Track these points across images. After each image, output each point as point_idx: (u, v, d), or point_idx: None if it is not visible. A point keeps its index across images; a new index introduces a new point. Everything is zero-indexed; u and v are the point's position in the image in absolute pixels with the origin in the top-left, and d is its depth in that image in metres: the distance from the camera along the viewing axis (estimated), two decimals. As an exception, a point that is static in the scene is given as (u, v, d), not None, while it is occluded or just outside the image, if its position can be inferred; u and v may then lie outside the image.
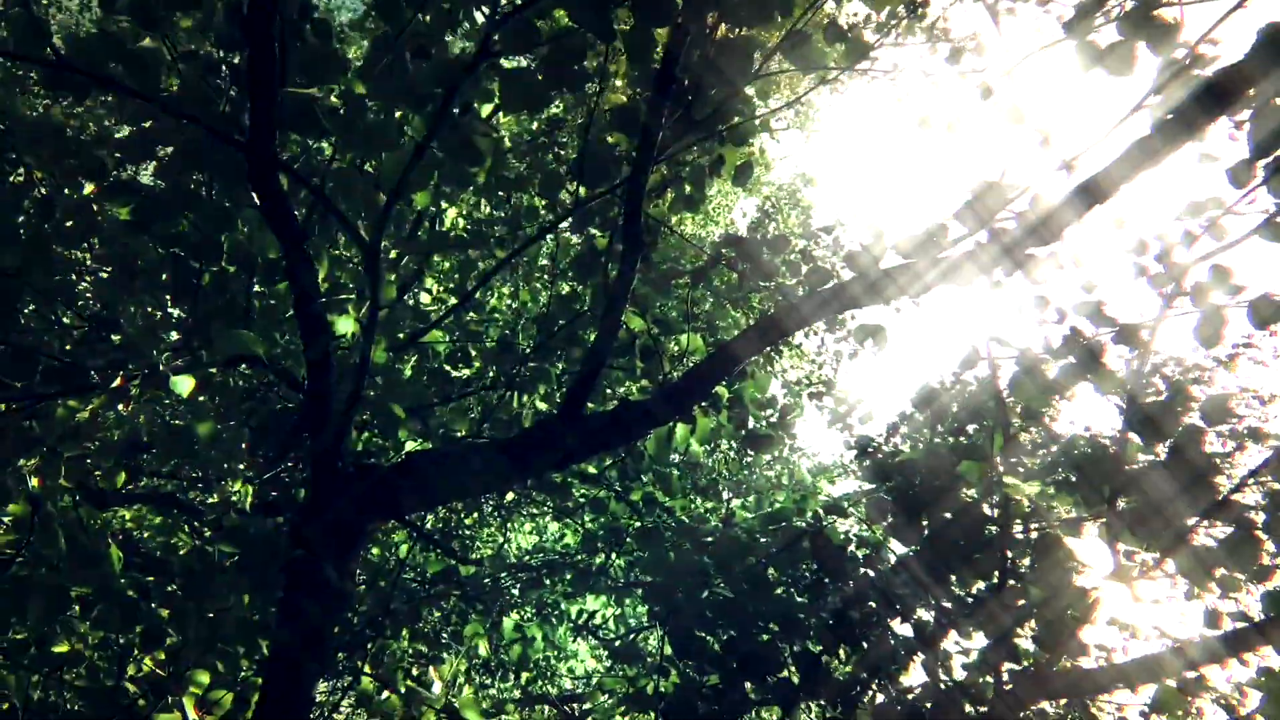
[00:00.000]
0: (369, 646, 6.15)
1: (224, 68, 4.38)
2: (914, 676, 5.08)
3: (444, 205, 6.78)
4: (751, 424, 5.63)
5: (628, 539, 6.49)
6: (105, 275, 5.47)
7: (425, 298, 7.34)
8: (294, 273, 4.47)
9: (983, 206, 4.84)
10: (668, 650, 5.04)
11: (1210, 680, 4.62)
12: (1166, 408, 4.47)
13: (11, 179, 5.19)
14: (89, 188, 4.80)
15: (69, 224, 5.13)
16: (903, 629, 4.89)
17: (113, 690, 5.53)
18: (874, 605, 4.77)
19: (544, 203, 5.87)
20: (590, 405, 5.19)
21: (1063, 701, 5.17)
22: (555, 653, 8.92)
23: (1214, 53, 4.49)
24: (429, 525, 7.88)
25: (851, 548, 5.08)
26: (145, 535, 8.05)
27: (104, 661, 5.79)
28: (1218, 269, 4.68)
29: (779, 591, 4.91)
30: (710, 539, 5.77)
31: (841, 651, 4.79)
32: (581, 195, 4.91)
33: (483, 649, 7.35)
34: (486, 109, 5.70)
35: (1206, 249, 4.84)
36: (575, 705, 7.15)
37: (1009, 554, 4.50)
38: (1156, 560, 4.29)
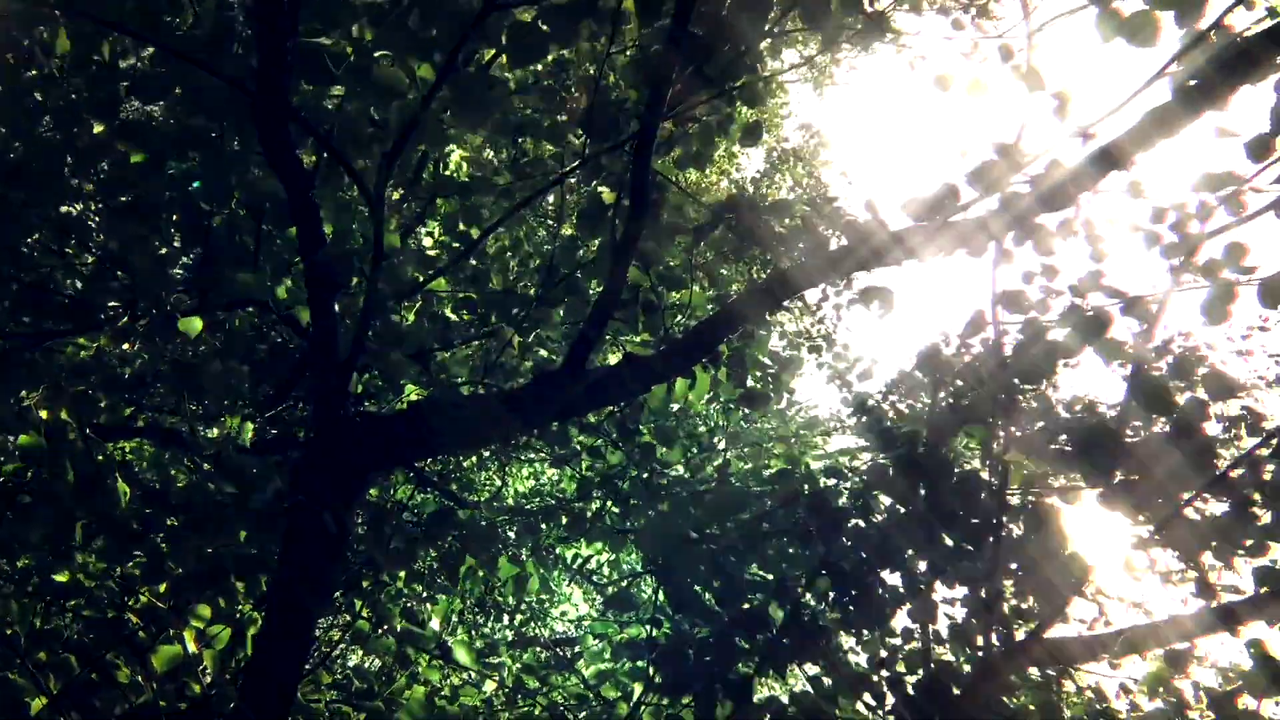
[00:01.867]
0: (365, 585, 6.23)
1: (238, 5, 4.29)
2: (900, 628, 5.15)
3: (448, 148, 6.71)
4: (750, 382, 5.64)
5: (623, 485, 6.54)
6: (112, 207, 5.43)
7: (428, 241, 7.30)
8: (299, 219, 4.44)
9: (995, 171, 4.78)
10: (660, 599, 5.11)
11: (1198, 652, 4.68)
12: (1170, 380, 4.47)
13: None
14: (98, 127, 4.74)
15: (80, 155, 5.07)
16: (892, 579, 4.94)
17: (114, 621, 5.59)
18: (864, 556, 4.80)
19: (550, 151, 5.82)
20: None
21: (1041, 671, 5.23)
22: (549, 596, 9.04)
23: (1241, 23, 4.39)
24: (427, 467, 7.93)
25: (844, 500, 5.12)
26: (144, 467, 8.09)
27: (105, 593, 5.85)
28: (1232, 246, 4.60)
29: (771, 552, 4.96)
30: (705, 488, 5.81)
31: (828, 607, 4.84)
32: (589, 147, 4.86)
33: (477, 590, 7.45)
34: (490, 52, 5.61)
35: (1222, 223, 4.78)
36: (567, 648, 7.26)
37: (1004, 519, 4.54)
38: (1150, 533, 4.32)
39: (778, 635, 4.58)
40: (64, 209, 5.31)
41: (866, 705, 4.49)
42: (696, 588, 4.82)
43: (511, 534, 7.44)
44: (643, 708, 5.40)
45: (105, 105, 4.50)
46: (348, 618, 6.54)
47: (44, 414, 5.07)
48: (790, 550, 5.15)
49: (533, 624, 8.71)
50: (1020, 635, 4.72)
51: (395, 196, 6.92)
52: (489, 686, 6.59)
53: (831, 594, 4.80)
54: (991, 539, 4.55)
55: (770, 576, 4.97)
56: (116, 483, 5.38)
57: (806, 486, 4.98)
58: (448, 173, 6.75)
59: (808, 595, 4.87)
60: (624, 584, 7.67)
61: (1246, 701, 4.44)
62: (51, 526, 5.17)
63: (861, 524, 4.86)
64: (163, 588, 5.66)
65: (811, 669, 5.02)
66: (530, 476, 9.50)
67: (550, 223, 8.97)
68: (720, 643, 4.66)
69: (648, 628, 5.13)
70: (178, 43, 4.16)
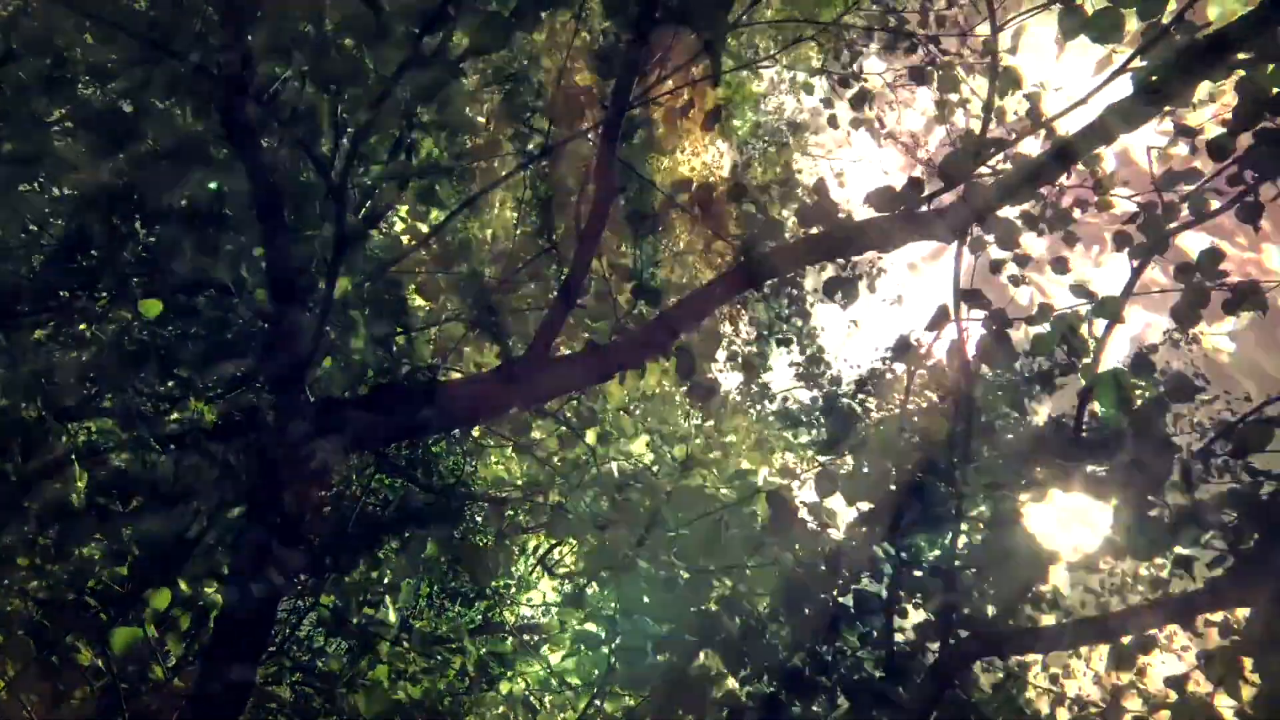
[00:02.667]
0: (327, 576, 6.19)
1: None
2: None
3: (418, 135, 6.65)
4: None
5: (588, 475, 6.53)
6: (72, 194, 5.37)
7: (399, 225, 7.25)
8: (261, 204, 4.39)
9: (961, 162, 4.76)
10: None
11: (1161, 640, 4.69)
12: (1131, 379, 4.47)
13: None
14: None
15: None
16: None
17: (73, 604, 5.54)
18: (821, 568, 4.78)
19: (513, 134, 5.79)
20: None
21: (1012, 660, 5.25)
22: (514, 582, 9.04)
23: (1204, 19, 4.37)
24: (392, 452, 7.90)
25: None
26: (110, 447, 8.00)
27: (66, 575, 5.79)
28: (1208, 251, 4.57)
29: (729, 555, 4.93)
30: (666, 481, 5.80)
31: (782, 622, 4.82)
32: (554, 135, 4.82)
33: (440, 575, 7.44)
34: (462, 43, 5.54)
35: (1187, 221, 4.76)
36: (532, 634, 7.27)
37: (963, 522, 4.54)
38: (1111, 530, 4.32)
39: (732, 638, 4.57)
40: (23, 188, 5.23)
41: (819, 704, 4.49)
42: (646, 598, 4.82)
43: (479, 519, 7.44)
44: (605, 697, 5.41)
45: (60, 89, 4.44)
46: (311, 600, 6.49)
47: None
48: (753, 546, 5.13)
49: (499, 610, 8.70)
50: (980, 630, 4.73)
51: (368, 182, 6.86)
52: (452, 672, 6.57)
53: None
54: (950, 536, 4.55)
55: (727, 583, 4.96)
56: (74, 465, 5.33)
57: (766, 490, 4.96)
58: (418, 159, 6.68)
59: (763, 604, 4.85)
60: (584, 579, 7.67)
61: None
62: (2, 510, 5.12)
63: (818, 530, 4.84)
64: (123, 571, 5.61)
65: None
66: (499, 463, 9.47)
67: (525, 207, 8.92)
68: (677, 640, 4.65)
69: (606, 623, 5.14)
70: (137, 25, 4.09)
